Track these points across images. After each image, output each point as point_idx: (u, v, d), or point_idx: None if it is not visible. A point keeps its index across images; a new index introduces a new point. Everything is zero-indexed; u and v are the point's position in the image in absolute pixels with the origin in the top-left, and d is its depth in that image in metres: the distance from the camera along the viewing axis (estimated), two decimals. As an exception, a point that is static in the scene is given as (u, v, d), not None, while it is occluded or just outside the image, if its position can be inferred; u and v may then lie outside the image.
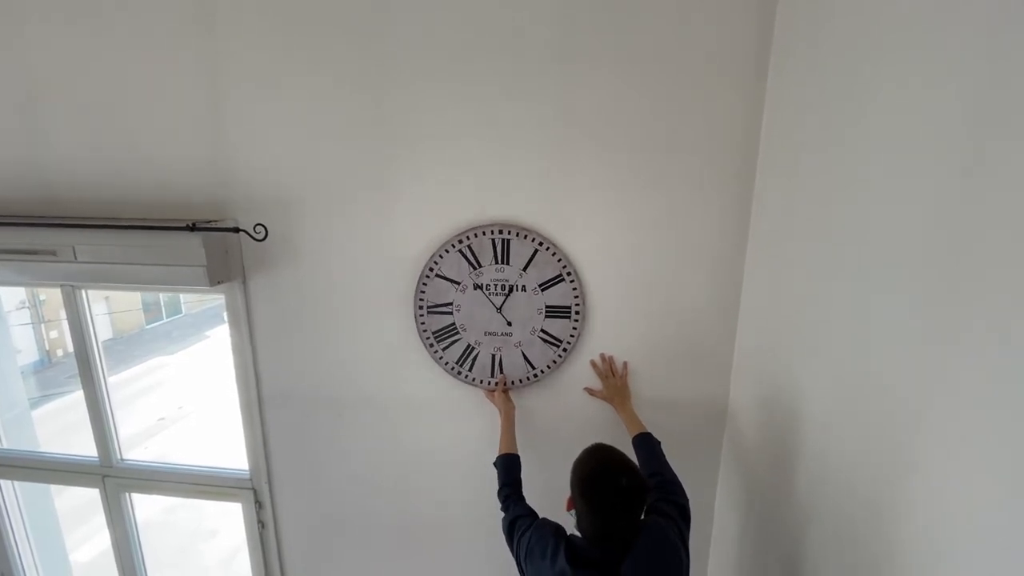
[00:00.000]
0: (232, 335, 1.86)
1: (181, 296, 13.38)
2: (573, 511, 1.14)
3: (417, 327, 1.75)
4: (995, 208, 0.67)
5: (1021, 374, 0.62)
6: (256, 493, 2.02)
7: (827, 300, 1.11)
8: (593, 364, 1.74)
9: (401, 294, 1.74)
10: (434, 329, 1.75)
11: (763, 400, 1.44)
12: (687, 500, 1.28)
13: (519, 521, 1.29)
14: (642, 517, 1.13)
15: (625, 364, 1.72)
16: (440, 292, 1.72)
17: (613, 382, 1.70)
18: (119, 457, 2.10)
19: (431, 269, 1.69)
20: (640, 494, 1.07)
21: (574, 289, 1.67)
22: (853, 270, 1.01)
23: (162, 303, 13.37)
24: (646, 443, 1.47)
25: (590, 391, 1.75)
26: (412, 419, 1.87)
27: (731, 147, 1.51)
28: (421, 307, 1.73)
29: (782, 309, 1.35)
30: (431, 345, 1.76)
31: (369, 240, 1.72)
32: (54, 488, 2.42)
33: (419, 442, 1.89)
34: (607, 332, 1.71)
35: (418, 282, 1.71)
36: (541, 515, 1.30)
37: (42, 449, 2.31)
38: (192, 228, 1.62)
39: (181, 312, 14.13)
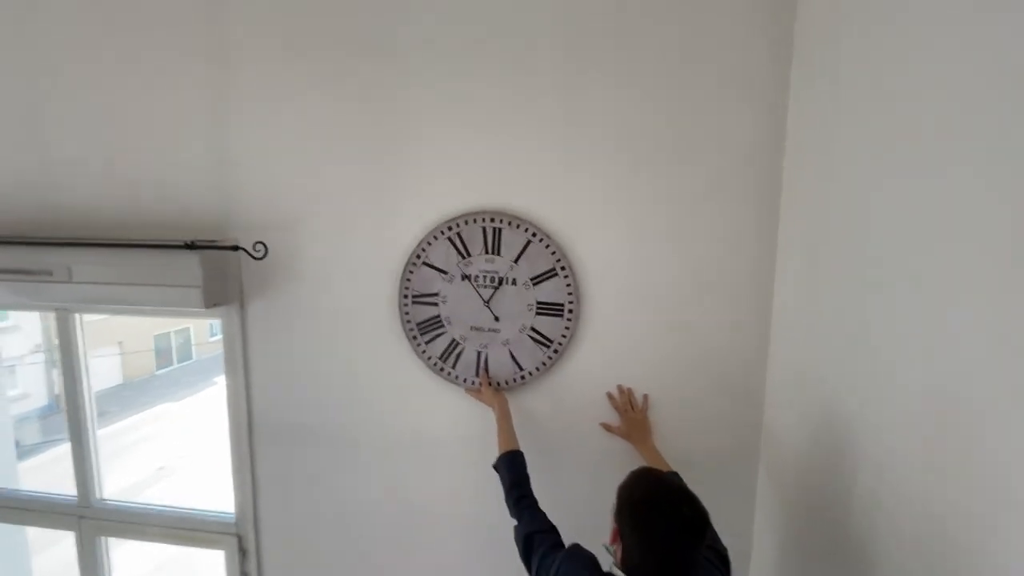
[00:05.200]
0: (226, 361, 1.76)
1: (192, 340, 13.42)
2: (615, 545, 0.97)
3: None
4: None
5: None
6: (241, 540, 1.84)
7: (874, 312, 0.99)
8: (610, 396, 1.59)
9: (400, 317, 1.64)
10: (418, 320, 1.63)
11: (804, 424, 1.28)
12: (726, 549, 1.12)
13: (537, 538, 1.17)
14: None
15: (646, 397, 1.58)
16: (426, 281, 1.60)
17: (632, 415, 1.54)
18: (98, 496, 1.95)
19: (418, 256, 1.59)
20: (703, 527, 0.91)
21: (568, 285, 1.54)
22: (903, 277, 0.89)
23: (173, 348, 13.36)
24: None
25: (607, 427, 1.59)
26: (416, 458, 1.71)
27: (751, 159, 1.44)
28: (406, 296, 1.62)
29: (822, 325, 1.22)
30: (414, 338, 1.64)
31: (371, 258, 1.64)
32: (33, 545, 2.27)
33: (423, 485, 1.72)
34: (605, 337, 1.57)
35: (404, 270, 1.61)
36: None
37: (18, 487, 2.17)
38: (190, 246, 1.56)
39: (192, 358, 14.08)
